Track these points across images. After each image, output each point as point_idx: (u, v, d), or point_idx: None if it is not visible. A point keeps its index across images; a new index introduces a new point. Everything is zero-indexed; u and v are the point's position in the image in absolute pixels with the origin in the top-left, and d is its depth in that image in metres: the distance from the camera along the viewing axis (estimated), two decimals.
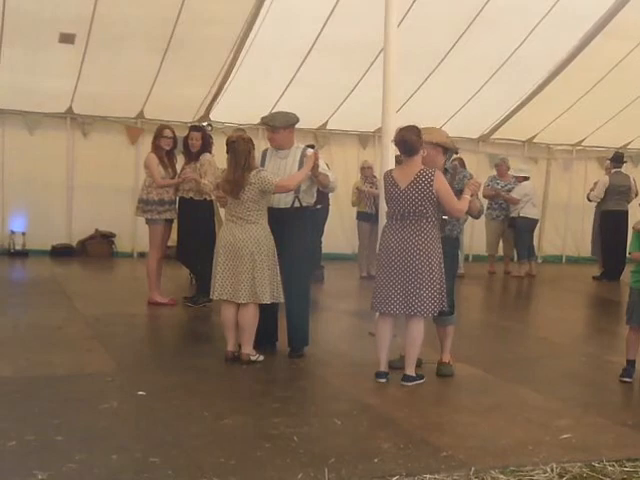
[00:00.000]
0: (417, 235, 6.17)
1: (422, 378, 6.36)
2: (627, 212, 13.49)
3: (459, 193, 6.35)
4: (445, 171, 6.51)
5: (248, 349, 6.79)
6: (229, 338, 6.85)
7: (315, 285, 11.59)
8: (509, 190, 13.48)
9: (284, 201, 7.05)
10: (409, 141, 6.21)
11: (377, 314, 6.58)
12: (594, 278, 13.68)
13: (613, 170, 13.75)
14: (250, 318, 6.77)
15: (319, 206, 11.79)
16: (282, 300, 6.92)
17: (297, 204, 7.09)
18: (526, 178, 13.70)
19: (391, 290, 6.22)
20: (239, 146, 6.77)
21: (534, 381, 6.58)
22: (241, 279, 6.69)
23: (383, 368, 6.33)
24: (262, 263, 6.70)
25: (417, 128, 6.25)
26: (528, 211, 13.55)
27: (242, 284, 6.69)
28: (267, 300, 6.74)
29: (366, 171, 12.72)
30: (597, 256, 14.23)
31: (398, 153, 6.57)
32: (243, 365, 6.66)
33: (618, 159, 13.84)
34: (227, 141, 7.00)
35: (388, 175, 6.44)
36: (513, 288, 13.34)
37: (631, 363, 6.67)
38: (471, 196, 6.38)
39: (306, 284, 7.32)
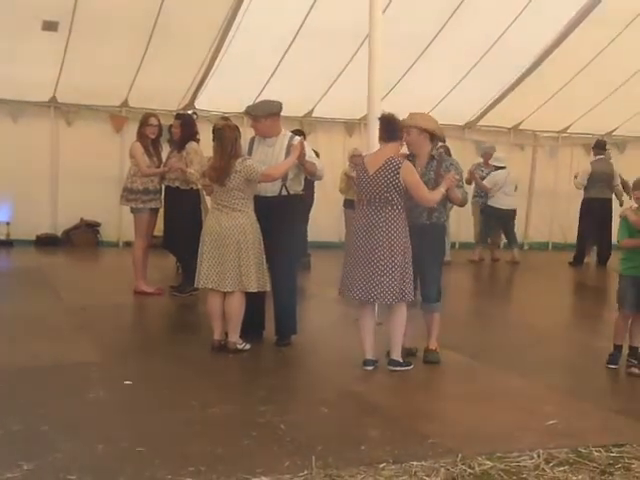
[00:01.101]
0: (382, 221, 6.16)
1: (409, 365, 6.36)
2: (610, 200, 13.55)
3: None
4: (431, 158, 6.50)
5: (235, 338, 6.77)
6: (216, 327, 6.84)
7: (302, 273, 11.61)
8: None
9: (271, 189, 7.02)
10: (390, 126, 6.23)
11: (376, 304, 6.60)
12: (569, 263, 13.79)
13: (595, 157, 13.80)
14: (236, 307, 6.75)
15: (302, 192, 11.81)
16: (268, 288, 6.91)
17: (284, 192, 7.08)
18: (500, 167, 13.67)
19: (354, 275, 6.24)
20: (225, 133, 6.75)
21: (520, 368, 6.59)
22: (227, 267, 6.67)
23: (369, 356, 6.33)
24: (248, 251, 6.68)
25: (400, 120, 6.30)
26: (498, 201, 13.54)
27: (228, 272, 6.67)
28: (253, 288, 6.72)
29: (356, 159, 12.67)
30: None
31: None
32: (230, 354, 6.65)
33: (600, 146, 13.88)
34: (213, 128, 7.01)
35: (360, 160, 6.51)
36: (499, 275, 13.38)
37: (618, 348, 6.69)
38: (447, 190, 6.36)
39: (293, 272, 7.30)
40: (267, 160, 6.98)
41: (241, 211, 6.74)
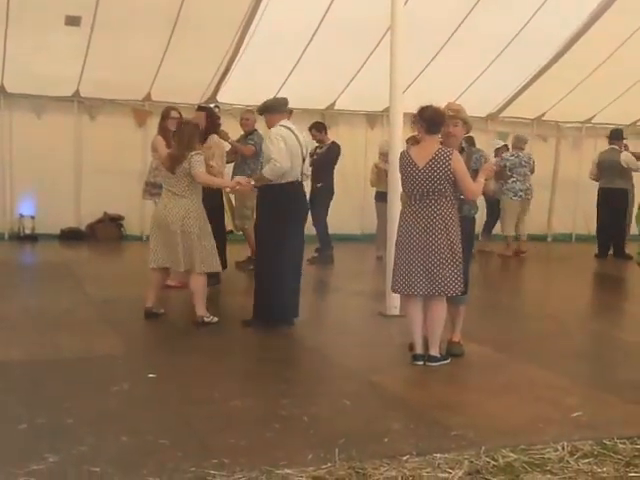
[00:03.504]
0: (437, 215, 6.11)
1: (447, 359, 6.33)
2: (622, 189, 13.36)
3: (475, 174, 6.29)
4: (461, 150, 6.46)
5: (200, 311, 7.43)
6: (148, 297, 7.65)
7: (325, 267, 11.63)
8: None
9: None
10: (439, 118, 6.16)
11: (398, 295, 6.60)
12: (595, 255, 13.68)
13: (608, 147, 13.67)
14: (197, 284, 7.45)
15: (320, 184, 11.81)
16: (215, 270, 7.67)
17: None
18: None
19: (413, 271, 6.16)
20: (186, 127, 7.63)
21: (543, 359, 6.56)
22: (176, 250, 7.36)
23: (419, 350, 6.27)
24: (191, 235, 7.32)
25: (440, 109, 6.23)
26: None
27: (177, 255, 7.35)
28: (199, 270, 7.37)
29: (386, 155, 12.60)
30: None
31: (411, 134, 6.50)
32: (199, 327, 7.34)
33: (614, 136, 13.72)
34: (178, 121, 8.19)
35: (405, 154, 6.33)
36: (521, 267, 13.30)
37: None
38: (485, 179, 6.33)
39: (268, 258, 7.43)
40: (264, 152, 7.68)
41: (186, 197, 7.39)
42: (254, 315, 7.45)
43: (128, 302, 8.38)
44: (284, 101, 7.74)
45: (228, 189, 8.53)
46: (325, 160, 11.88)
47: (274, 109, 7.60)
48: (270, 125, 7.58)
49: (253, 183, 7.63)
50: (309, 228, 12.00)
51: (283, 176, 7.31)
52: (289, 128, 7.49)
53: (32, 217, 13.53)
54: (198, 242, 7.34)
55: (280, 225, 7.32)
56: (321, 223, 11.95)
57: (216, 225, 8.21)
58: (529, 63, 14.06)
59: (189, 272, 7.51)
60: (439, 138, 6.24)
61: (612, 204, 13.17)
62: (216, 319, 7.44)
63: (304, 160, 7.54)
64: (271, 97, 8.31)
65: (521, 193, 13.41)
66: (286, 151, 7.27)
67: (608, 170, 13.37)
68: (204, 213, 7.52)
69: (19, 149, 13.28)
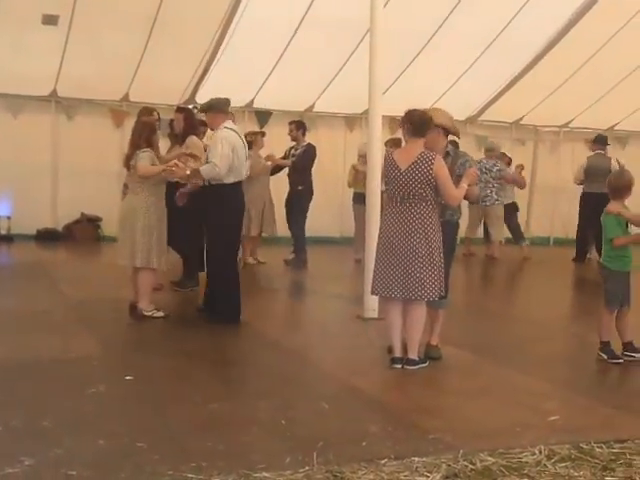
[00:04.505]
0: (417, 218, 6.11)
1: (425, 362, 6.34)
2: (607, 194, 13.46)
3: (459, 179, 6.29)
4: (446, 154, 6.45)
5: (142, 304, 7.72)
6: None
7: (302, 270, 11.62)
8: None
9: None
10: (425, 122, 6.15)
11: (377, 298, 6.62)
12: (573, 260, 13.77)
13: (594, 152, 13.73)
14: (140, 279, 7.72)
15: (300, 187, 11.82)
16: (155, 266, 7.71)
17: (207, 183, 7.67)
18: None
19: (391, 274, 6.17)
20: (136, 126, 7.98)
21: (522, 363, 6.58)
22: (125, 244, 7.66)
23: (398, 353, 6.26)
24: (135, 230, 7.58)
25: (427, 112, 6.23)
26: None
27: (125, 249, 7.65)
28: (137, 264, 7.63)
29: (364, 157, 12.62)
30: None
31: (389, 136, 6.51)
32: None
33: (601, 141, 13.78)
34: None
35: (389, 156, 6.35)
36: (499, 270, 13.35)
37: (608, 344, 6.69)
38: (469, 185, 6.33)
39: (222, 258, 7.68)
40: (210, 151, 7.68)
41: (137, 194, 7.69)
42: (215, 316, 7.64)
43: (105, 303, 8.35)
44: (227, 101, 7.91)
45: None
46: (302, 162, 11.88)
47: (218, 108, 7.76)
48: (214, 124, 7.77)
49: (188, 173, 7.70)
50: (285, 230, 12.08)
51: (221, 179, 7.53)
52: (235, 131, 7.77)
53: (8, 217, 13.43)
54: (140, 237, 7.58)
55: (233, 223, 7.72)
56: (298, 226, 11.93)
57: (195, 227, 8.24)
58: (507, 67, 14.13)
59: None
60: (424, 141, 6.23)
61: (598, 209, 13.20)
62: (160, 313, 7.72)
63: (246, 160, 7.93)
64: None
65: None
66: (229, 158, 7.51)
67: (595, 175, 13.41)
68: (158, 210, 7.71)
69: None
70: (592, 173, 13.42)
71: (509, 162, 14.26)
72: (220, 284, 7.72)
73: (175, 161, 7.91)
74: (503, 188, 13.60)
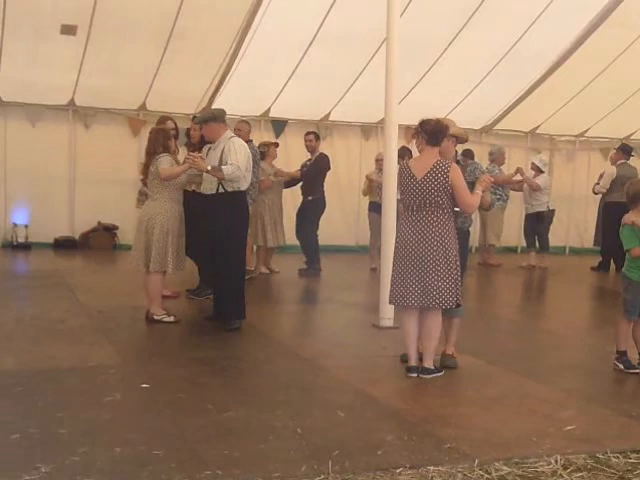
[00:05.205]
0: (434, 226, 6.13)
1: (440, 371, 6.34)
2: None
3: (470, 186, 6.31)
4: (457, 162, 6.48)
5: (153, 309, 7.86)
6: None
7: (317, 279, 11.62)
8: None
9: (209, 187, 7.70)
10: (441, 131, 6.18)
11: (392, 307, 6.64)
12: (592, 269, 13.69)
13: (620, 161, 13.64)
14: (150, 283, 7.87)
15: (310, 197, 11.84)
16: (167, 270, 7.83)
17: (221, 190, 7.61)
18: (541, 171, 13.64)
19: (408, 282, 6.18)
20: (150, 135, 8.02)
21: (538, 373, 6.57)
22: (138, 248, 7.80)
23: (414, 362, 6.28)
24: (152, 236, 7.70)
25: (442, 121, 6.26)
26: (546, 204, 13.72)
27: (140, 253, 7.78)
28: (151, 269, 7.76)
29: (381, 163, 12.61)
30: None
31: (402, 145, 6.55)
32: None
33: (627, 150, 13.69)
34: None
35: (404, 165, 6.38)
36: (516, 280, 13.31)
37: (624, 354, 6.67)
38: (483, 192, 6.35)
39: (233, 262, 7.72)
40: (210, 161, 7.64)
41: (155, 200, 7.82)
42: (225, 318, 7.75)
43: (122, 311, 8.38)
44: (225, 112, 8.02)
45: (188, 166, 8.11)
46: (313, 172, 11.87)
47: (221, 119, 7.85)
48: (215, 134, 7.78)
49: (209, 168, 7.55)
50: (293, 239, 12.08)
51: (239, 182, 7.62)
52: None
53: (26, 226, 13.50)
54: (156, 242, 7.68)
55: (244, 228, 7.93)
56: (308, 236, 11.90)
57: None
58: (523, 76, 14.10)
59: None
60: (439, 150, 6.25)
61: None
62: (170, 318, 7.86)
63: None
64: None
65: None
66: (247, 164, 7.66)
67: (622, 185, 13.32)
68: (176, 215, 7.82)
69: (13, 158, 13.25)
70: (618, 183, 13.34)
71: (501, 162, 14.00)
72: (226, 284, 7.76)
73: (196, 153, 7.95)
74: (534, 195, 13.51)
